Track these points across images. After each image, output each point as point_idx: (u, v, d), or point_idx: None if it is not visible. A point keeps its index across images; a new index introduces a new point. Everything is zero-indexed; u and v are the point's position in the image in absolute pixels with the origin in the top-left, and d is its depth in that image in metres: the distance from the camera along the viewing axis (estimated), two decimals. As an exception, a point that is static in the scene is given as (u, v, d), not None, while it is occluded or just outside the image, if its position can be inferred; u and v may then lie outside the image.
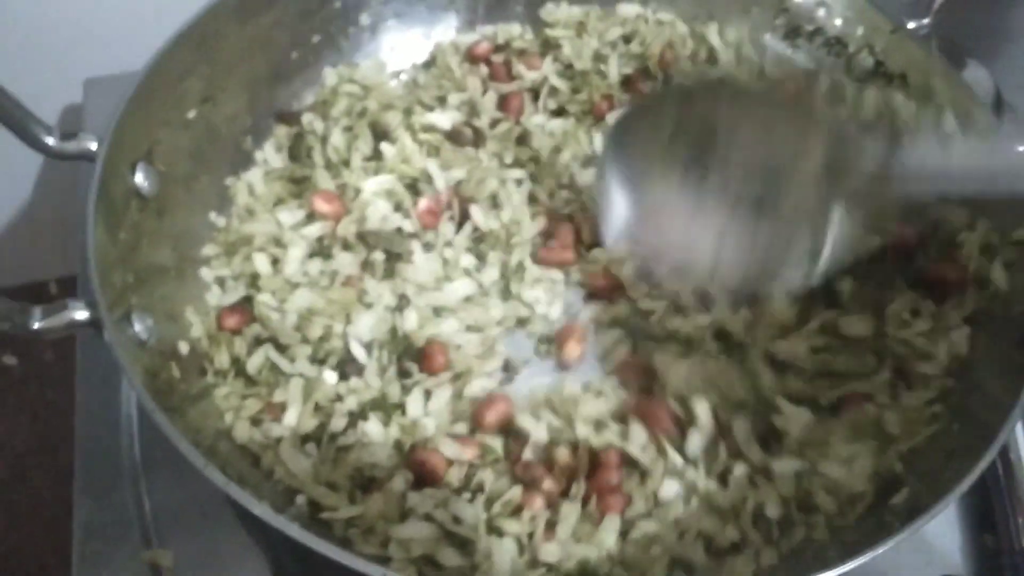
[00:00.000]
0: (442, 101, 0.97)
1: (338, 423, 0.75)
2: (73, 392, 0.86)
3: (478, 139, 0.95)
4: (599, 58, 0.99)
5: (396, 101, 0.96)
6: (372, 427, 0.74)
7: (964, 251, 0.82)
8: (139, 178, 0.77)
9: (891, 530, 0.60)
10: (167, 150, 0.81)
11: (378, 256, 0.85)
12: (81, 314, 0.64)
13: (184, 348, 0.76)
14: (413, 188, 0.91)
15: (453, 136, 0.94)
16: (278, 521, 0.57)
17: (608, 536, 0.68)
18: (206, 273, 0.84)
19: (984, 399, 0.72)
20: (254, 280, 0.83)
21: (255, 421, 0.75)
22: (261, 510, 0.57)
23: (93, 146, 0.74)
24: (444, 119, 0.95)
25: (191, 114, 0.85)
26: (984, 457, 0.62)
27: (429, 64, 1.02)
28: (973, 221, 0.83)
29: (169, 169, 0.81)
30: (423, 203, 0.88)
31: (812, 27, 0.97)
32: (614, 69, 0.98)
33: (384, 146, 0.91)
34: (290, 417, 0.74)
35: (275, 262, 0.84)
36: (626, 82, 0.99)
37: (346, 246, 0.86)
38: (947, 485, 0.61)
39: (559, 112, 0.98)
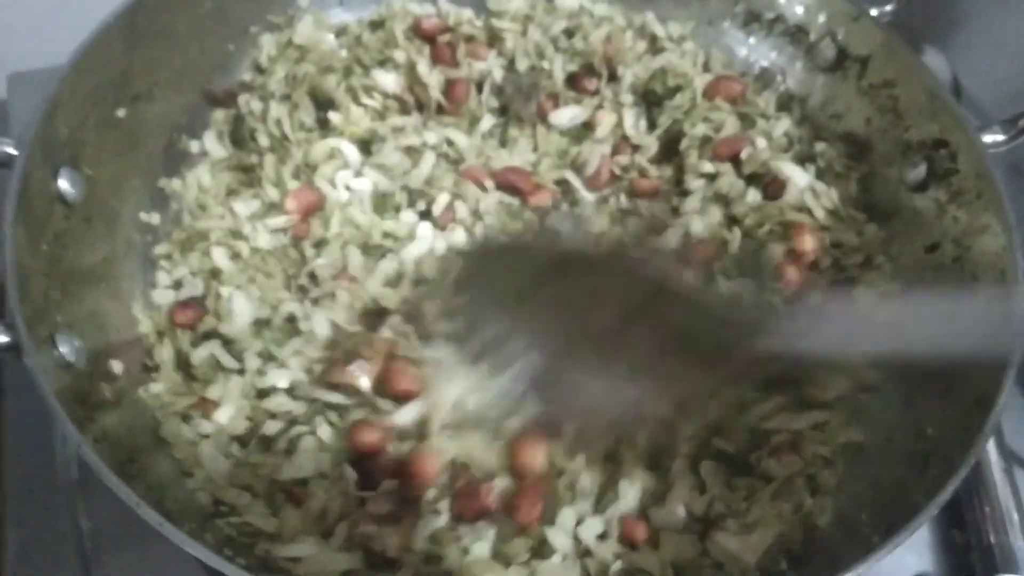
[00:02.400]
0: (384, 64, 0.95)
1: (272, 427, 0.73)
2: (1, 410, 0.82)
3: (422, 111, 0.94)
4: (542, 55, 0.96)
5: (335, 62, 0.93)
6: (324, 431, 0.72)
7: None
8: (63, 184, 0.73)
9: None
10: (94, 152, 0.76)
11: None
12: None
13: (118, 368, 0.72)
14: (366, 149, 0.90)
15: (398, 101, 0.93)
16: (182, 541, 0.55)
17: None
18: (162, 273, 0.82)
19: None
20: (214, 274, 0.81)
21: (185, 418, 0.74)
22: (169, 531, 0.55)
23: (12, 151, 0.68)
24: (389, 80, 0.93)
25: (121, 112, 0.80)
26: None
27: (376, 24, 0.99)
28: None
29: (97, 172, 0.76)
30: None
31: (772, 15, 0.94)
32: (558, 68, 0.96)
33: (330, 114, 0.90)
34: (222, 415, 0.73)
35: (235, 255, 0.82)
36: (571, 80, 0.96)
37: (318, 244, 0.84)
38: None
39: (502, 111, 0.95)
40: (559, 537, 0.68)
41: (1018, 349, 0.65)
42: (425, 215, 0.88)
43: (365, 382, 0.73)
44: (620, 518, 0.69)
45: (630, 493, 0.70)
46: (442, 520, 0.67)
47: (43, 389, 0.58)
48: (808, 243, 0.83)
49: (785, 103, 0.95)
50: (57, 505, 0.76)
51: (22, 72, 1.05)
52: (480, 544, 0.66)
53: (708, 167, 0.88)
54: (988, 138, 0.77)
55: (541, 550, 0.68)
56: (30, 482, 0.77)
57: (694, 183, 0.89)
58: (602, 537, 0.69)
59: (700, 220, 0.86)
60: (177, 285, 0.82)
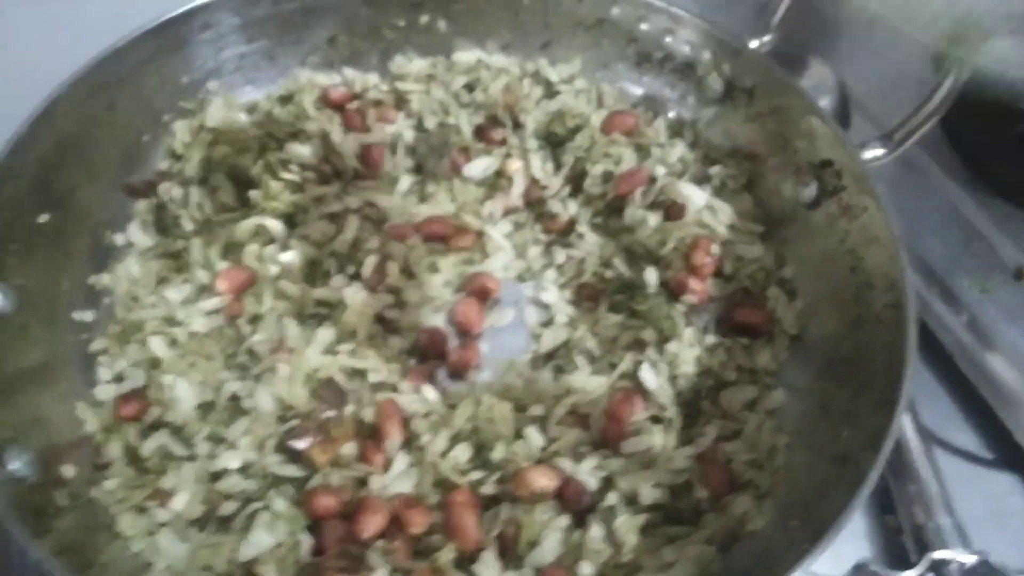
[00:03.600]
0: (296, 136, 0.97)
1: (228, 507, 0.74)
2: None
3: (341, 178, 0.97)
4: (447, 111, 1.01)
5: (249, 141, 0.96)
6: (278, 504, 0.73)
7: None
8: (-7, 299, 0.73)
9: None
10: (20, 262, 0.77)
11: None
12: (-54, 464, 0.61)
13: (69, 472, 0.73)
14: (290, 222, 0.92)
15: (315, 171, 0.95)
16: None
17: None
18: (102, 369, 0.83)
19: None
20: (154, 364, 0.82)
21: (140, 510, 0.74)
22: None
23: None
24: (304, 151, 0.96)
25: (43, 218, 0.81)
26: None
27: (285, 99, 1.01)
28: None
29: (27, 281, 0.77)
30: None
31: (661, 54, 1.00)
32: (465, 122, 1.00)
33: (251, 192, 0.92)
34: (178, 502, 0.74)
35: (172, 342, 0.83)
36: (478, 132, 1.00)
37: (253, 320, 0.86)
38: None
39: (417, 169, 0.99)
40: (487, 572, 0.71)
41: (911, 350, 0.70)
42: (355, 277, 0.90)
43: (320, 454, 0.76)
44: (539, 569, 0.72)
45: (547, 545, 0.73)
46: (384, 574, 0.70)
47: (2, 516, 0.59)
48: (702, 257, 0.88)
49: (677, 129, 1.01)
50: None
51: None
52: None
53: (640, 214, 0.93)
54: (869, 154, 0.83)
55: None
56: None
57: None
58: None
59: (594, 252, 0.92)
60: (118, 379, 0.82)
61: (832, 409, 0.78)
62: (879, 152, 0.83)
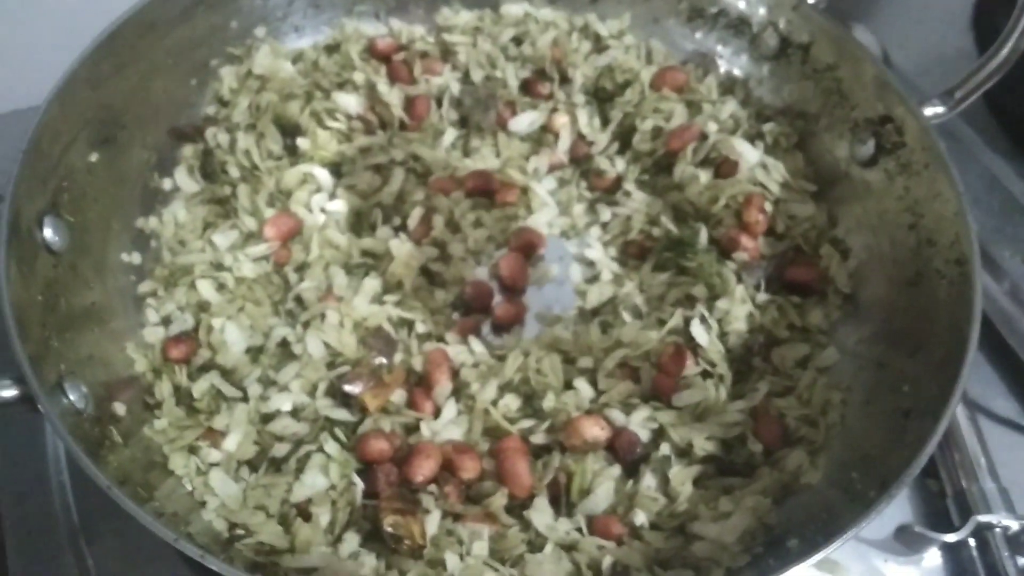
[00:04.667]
0: (343, 86, 0.97)
1: (280, 449, 0.75)
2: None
3: (386, 129, 0.96)
4: (494, 65, 1.00)
5: (295, 88, 0.95)
6: (330, 447, 0.74)
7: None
8: (48, 233, 0.73)
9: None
10: (72, 199, 0.77)
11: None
12: (8, 392, 0.61)
13: (121, 410, 0.73)
14: (336, 171, 0.92)
15: (362, 121, 0.95)
16: (225, 570, 0.57)
17: None
18: (150, 311, 0.83)
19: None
20: (202, 307, 0.82)
21: (192, 449, 0.75)
22: (212, 562, 0.57)
23: (-9, 203, 0.69)
24: (350, 101, 0.96)
25: (93, 157, 0.81)
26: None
27: (331, 48, 1.00)
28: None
29: (77, 218, 0.77)
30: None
31: (715, 9, 0.98)
32: (512, 76, 0.99)
33: (298, 140, 0.92)
34: (230, 443, 0.75)
35: (220, 287, 0.83)
36: (525, 86, 0.99)
37: (300, 268, 0.86)
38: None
39: (463, 122, 0.98)
40: (540, 517, 0.71)
41: (978, 307, 0.70)
42: (400, 229, 0.90)
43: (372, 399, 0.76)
44: (591, 516, 0.72)
45: (600, 493, 0.73)
46: (436, 517, 0.70)
47: (64, 437, 0.59)
48: (755, 214, 0.88)
49: (728, 87, 0.99)
50: (61, 554, 0.76)
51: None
52: (479, 544, 0.69)
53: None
54: (929, 111, 0.82)
55: (534, 543, 0.70)
56: (30, 534, 0.77)
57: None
58: (579, 532, 0.71)
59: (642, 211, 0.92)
60: (166, 321, 0.82)
61: (889, 367, 0.77)
62: (939, 110, 0.82)
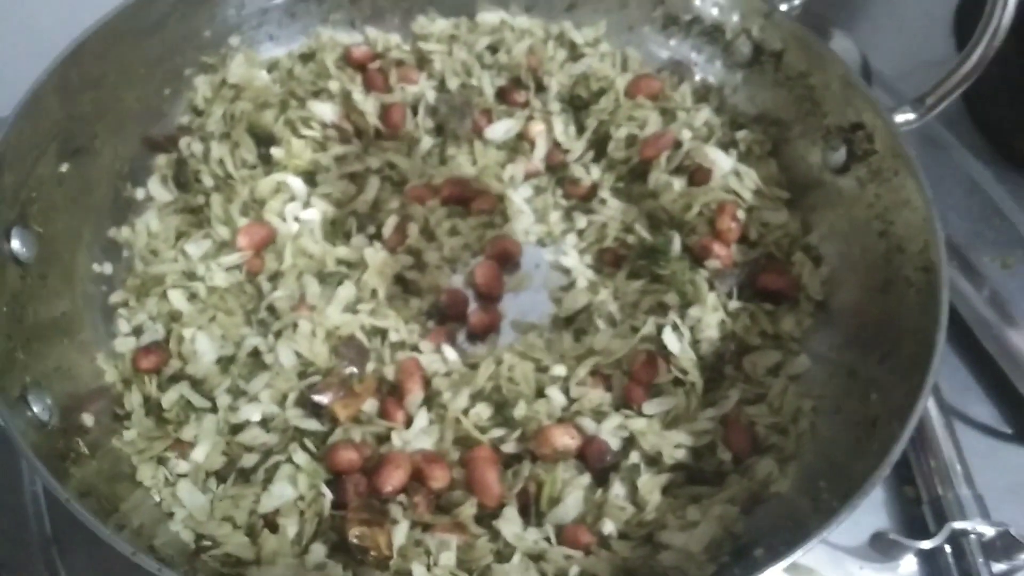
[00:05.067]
0: (318, 94, 0.97)
1: (249, 459, 0.75)
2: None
3: (362, 138, 0.96)
4: (470, 73, 1.00)
5: (271, 97, 0.95)
6: (299, 457, 0.73)
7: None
8: (15, 244, 0.73)
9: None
10: (42, 209, 0.77)
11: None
12: (-30, 404, 0.60)
13: (89, 421, 0.73)
14: (311, 180, 0.92)
15: (337, 130, 0.95)
16: None
17: None
18: (121, 321, 0.83)
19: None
20: (173, 317, 0.82)
21: (160, 460, 0.75)
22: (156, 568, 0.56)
23: (-41, 215, 0.69)
24: (325, 110, 0.95)
25: (64, 167, 0.80)
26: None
27: (307, 57, 1.00)
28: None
29: (47, 229, 0.77)
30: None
31: (689, 16, 0.98)
32: (488, 84, 0.99)
33: (272, 149, 0.92)
34: (198, 453, 0.75)
35: (192, 296, 0.83)
36: (501, 94, 0.99)
37: (273, 277, 0.86)
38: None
39: (439, 130, 0.98)
40: (509, 527, 0.71)
41: (944, 313, 0.70)
42: (375, 237, 0.90)
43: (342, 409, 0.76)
44: (560, 526, 0.72)
45: (569, 502, 0.73)
46: (404, 528, 0.70)
47: (22, 450, 0.58)
48: (727, 222, 0.88)
49: (703, 94, 1.00)
50: (33, 564, 0.76)
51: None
52: (447, 554, 0.69)
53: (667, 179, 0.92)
54: (900, 118, 0.82)
55: (503, 553, 0.70)
56: (3, 543, 0.77)
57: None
58: (547, 541, 0.71)
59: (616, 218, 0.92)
60: (137, 331, 0.82)
61: (859, 374, 0.77)
62: (910, 116, 0.82)
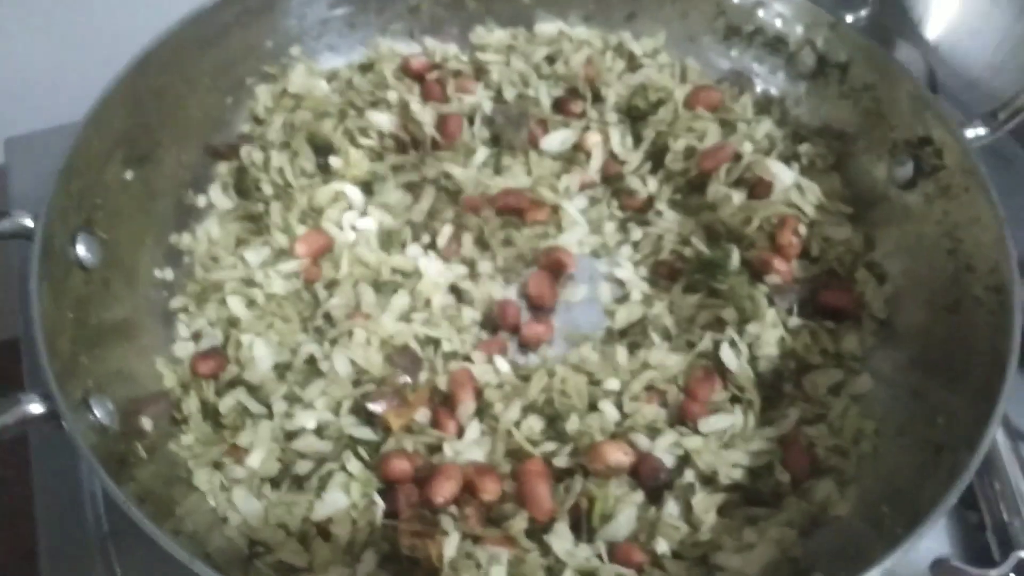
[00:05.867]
0: (376, 104, 0.97)
1: (303, 466, 0.75)
2: (29, 467, 0.83)
3: (418, 148, 0.96)
4: (527, 83, 0.99)
5: (330, 107, 0.96)
6: (352, 465, 0.74)
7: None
8: (81, 250, 0.74)
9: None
10: (107, 216, 0.78)
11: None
12: (35, 408, 0.62)
13: (148, 425, 0.74)
14: (368, 189, 0.92)
15: (394, 140, 0.95)
16: None
17: None
18: (181, 326, 0.84)
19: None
20: (231, 323, 0.83)
21: (216, 465, 0.75)
22: None
23: (29, 223, 0.70)
24: (383, 120, 0.96)
25: (128, 175, 0.82)
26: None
27: (365, 67, 1.01)
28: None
29: (111, 235, 0.78)
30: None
31: (751, 27, 0.97)
32: (544, 95, 0.99)
33: (330, 159, 0.92)
34: (253, 459, 0.75)
35: (250, 303, 0.84)
36: (557, 105, 0.99)
37: (330, 285, 0.86)
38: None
39: (495, 140, 0.98)
40: (560, 543, 0.70)
41: (1017, 337, 0.67)
42: (430, 247, 0.90)
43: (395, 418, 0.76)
44: (612, 543, 0.71)
45: (621, 519, 0.72)
46: (455, 540, 0.69)
47: (86, 455, 0.59)
48: (788, 237, 0.86)
49: (764, 106, 0.98)
50: (90, 562, 0.77)
51: (18, 136, 1.06)
52: (497, 568, 0.68)
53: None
54: (971, 133, 0.79)
55: (553, 569, 0.69)
56: (62, 541, 0.79)
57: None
58: (599, 558, 0.70)
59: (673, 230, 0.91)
60: (196, 337, 0.83)
61: (924, 397, 0.75)
62: (981, 131, 0.79)
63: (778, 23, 0.95)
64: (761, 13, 0.95)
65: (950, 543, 0.79)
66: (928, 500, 0.61)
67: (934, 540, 0.79)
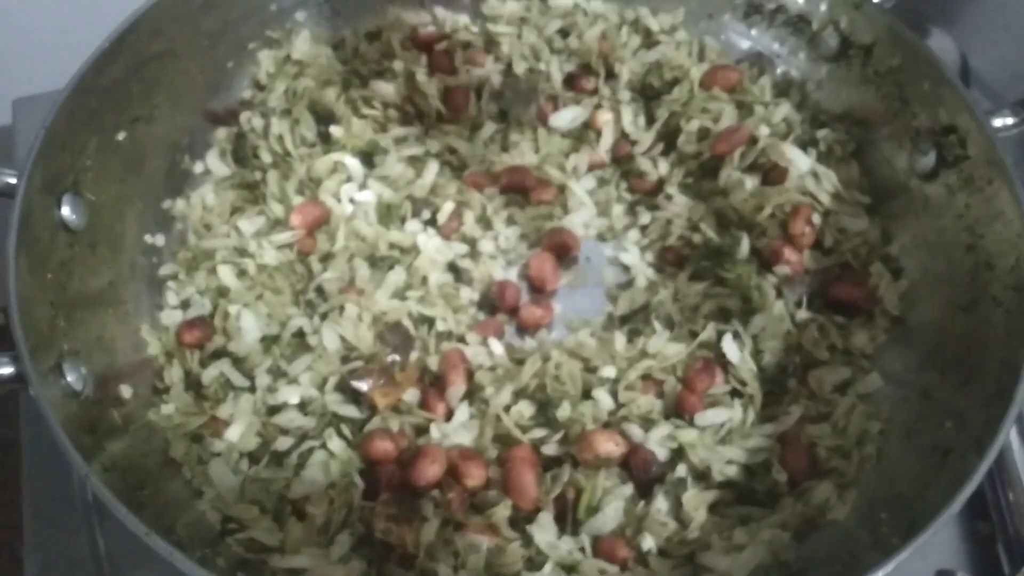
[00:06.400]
0: (382, 74, 0.94)
1: (283, 442, 0.73)
2: (16, 427, 0.82)
3: (423, 120, 0.93)
4: (538, 57, 0.96)
5: (333, 75, 0.93)
6: (334, 443, 0.72)
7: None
8: (66, 211, 0.73)
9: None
10: (96, 177, 0.76)
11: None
12: (4, 369, 0.60)
13: (127, 393, 0.72)
14: (368, 161, 0.90)
15: (398, 111, 0.93)
16: (191, 569, 0.55)
17: None
18: (170, 294, 0.82)
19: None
20: (221, 293, 0.81)
21: (195, 438, 0.74)
22: (179, 560, 0.55)
23: (12, 180, 0.68)
24: (387, 89, 0.93)
25: (121, 136, 0.80)
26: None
27: (372, 36, 0.98)
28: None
29: (99, 197, 0.76)
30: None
31: (773, 5, 0.93)
32: (556, 70, 0.95)
33: (332, 128, 0.90)
34: (232, 433, 0.73)
35: (241, 273, 0.82)
36: (569, 80, 0.95)
37: (324, 259, 0.84)
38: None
39: (502, 115, 0.94)
40: (542, 534, 0.68)
41: (1035, 339, 0.64)
42: (430, 223, 0.88)
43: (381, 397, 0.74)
44: (597, 537, 0.69)
45: (608, 512, 0.69)
46: (435, 525, 0.67)
47: (49, 420, 0.58)
48: (801, 226, 0.82)
49: (783, 88, 0.94)
50: (74, 527, 0.76)
51: (26, 97, 1.05)
52: (475, 557, 0.66)
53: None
54: (998, 122, 0.75)
55: (534, 561, 0.67)
56: (48, 505, 0.78)
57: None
58: (582, 552, 0.68)
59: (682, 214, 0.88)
60: (184, 305, 0.82)
61: (935, 398, 0.71)
62: (1009, 121, 0.75)
63: (801, 1, 0.90)
64: (783, -10, 0.91)
65: (957, 554, 0.76)
66: (928, 509, 0.58)
67: (940, 550, 0.76)
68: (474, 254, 0.87)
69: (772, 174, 0.86)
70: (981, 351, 0.69)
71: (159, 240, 0.84)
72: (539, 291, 0.86)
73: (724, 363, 0.77)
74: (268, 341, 0.79)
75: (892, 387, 0.76)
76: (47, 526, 0.77)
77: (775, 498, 0.71)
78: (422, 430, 0.75)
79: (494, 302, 0.85)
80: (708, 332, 0.78)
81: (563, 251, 0.88)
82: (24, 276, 0.65)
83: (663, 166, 0.91)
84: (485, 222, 0.89)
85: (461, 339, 0.82)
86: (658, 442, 0.73)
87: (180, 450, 0.72)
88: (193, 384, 0.76)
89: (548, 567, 0.66)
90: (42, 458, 0.80)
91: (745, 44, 0.96)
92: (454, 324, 0.82)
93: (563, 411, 0.74)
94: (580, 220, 0.90)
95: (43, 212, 0.70)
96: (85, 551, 0.75)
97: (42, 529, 0.77)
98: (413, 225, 0.87)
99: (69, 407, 0.64)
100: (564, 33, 0.97)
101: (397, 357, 0.78)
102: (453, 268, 0.87)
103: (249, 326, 0.79)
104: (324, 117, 0.91)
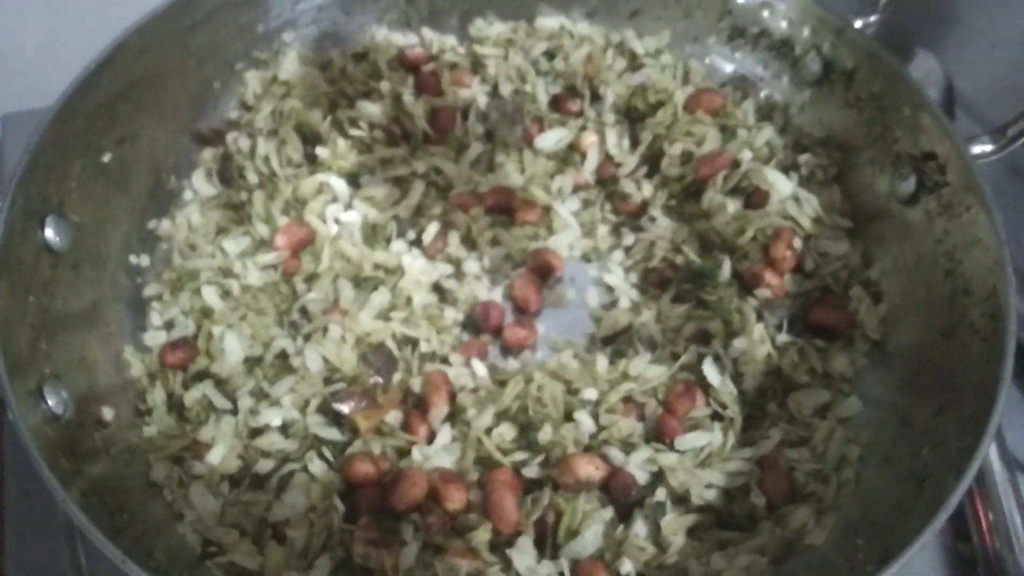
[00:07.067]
0: (368, 95, 0.95)
1: (264, 465, 0.73)
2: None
3: (409, 141, 0.94)
4: (524, 79, 0.97)
5: (321, 96, 0.94)
6: (315, 466, 0.72)
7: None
8: (50, 233, 0.73)
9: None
10: (80, 198, 0.76)
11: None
12: (-18, 390, 0.60)
13: (109, 415, 0.72)
14: (354, 182, 0.90)
15: (384, 132, 0.93)
16: None
17: None
18: (154, 315, 0.82)
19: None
20: (205, 313, 0.81)
21: (176, 460, 0.74)
22: None
23: (-6, 202, 0.69)
24: (374, 110, 0.94)
25: (106, 157, 0.80)
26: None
27: (360, 56, 0.98)
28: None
29: (83, 219, 0.77)
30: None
31: (757, 29, 0.93)
32: (541, 91, 0.96)
33: (318, 149, 0.90)
34: (214, 456, 0.73)
35: (225, 294, 0.82)
36: (554, 102, 0.96)
37: (309, 279, 0.85)
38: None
39: (488, 136, 0.95)
40: (522, 558, 0.68)
41: (1009, 366, 0.64)
42: (415, 243, 0.88)
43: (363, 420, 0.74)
44: (576, 561, 0.69)
45: (587, 536, 0.69)
46: (414, 549, 0.67)
47: (27, 446, 0.58)
48: (782, 249, 0.83)
49: (766, 112, 0.95)
50: (57, 547, 0.76)
51: (15, 113, 1.05)
52: None
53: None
54: (977, 148, 0.76)
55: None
56: (30, 524, 0.78)
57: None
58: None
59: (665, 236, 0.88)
60: (168, 326, 0.82)
61: (913, 424, 0.72)
62: (988, 148, 0.76)
63: (784, 25, 0.91)
64: (767, 15, 0.91)
65: (938, 573, 0.77)
66: (904, 536, 0.58)
67: (922, 571, 0.76)
68: (459, 274, 0.88)
69: (754, 198, 0.86)
70: (958, 378, 0.69)
71: (143, 260, 0.84)
72: (523, 312, 0.87)
73: (705, 386, 0.77)
74: (251, 362, 0.79)
75: (871, 411, 0.76)
76: (30, 545, 0.77)
77: (753, 522, 0.71)
78: (404, 452, 0.75)
79: (478, 323, 0.85)
80: (689, 355, 0.79)
81: (547, 271, 0.88)
82: (5, 299, 0.65)
83: (647, 188, 0.92)
84: (470, 243, 0.90)
85: (444, 360, 0.82)
86: (638, 466, 0.73)
87: (161, 473, 0.72)
88: (176, 406, 0.76)
89: None
90: (24, 477, 0.80)
91: (729, 67, 0.97)
92: (438, 345, 0.82)
93: (544, 434, 0.74)
94: (565, 241, 0.90)
95: (26, 235, 0.70)
96: (67, 570, 0.75)
97: (24, 548, 0.77)
98: (398, 245, 0.88)
99: (48, 432, 0.64)
100: (550, 55, 0.98)
101: (380, 379, 0.78)
102: (438, 288, 0.87)
103: (232, 347, 0.79)
104: (310, 138, 0.92)
